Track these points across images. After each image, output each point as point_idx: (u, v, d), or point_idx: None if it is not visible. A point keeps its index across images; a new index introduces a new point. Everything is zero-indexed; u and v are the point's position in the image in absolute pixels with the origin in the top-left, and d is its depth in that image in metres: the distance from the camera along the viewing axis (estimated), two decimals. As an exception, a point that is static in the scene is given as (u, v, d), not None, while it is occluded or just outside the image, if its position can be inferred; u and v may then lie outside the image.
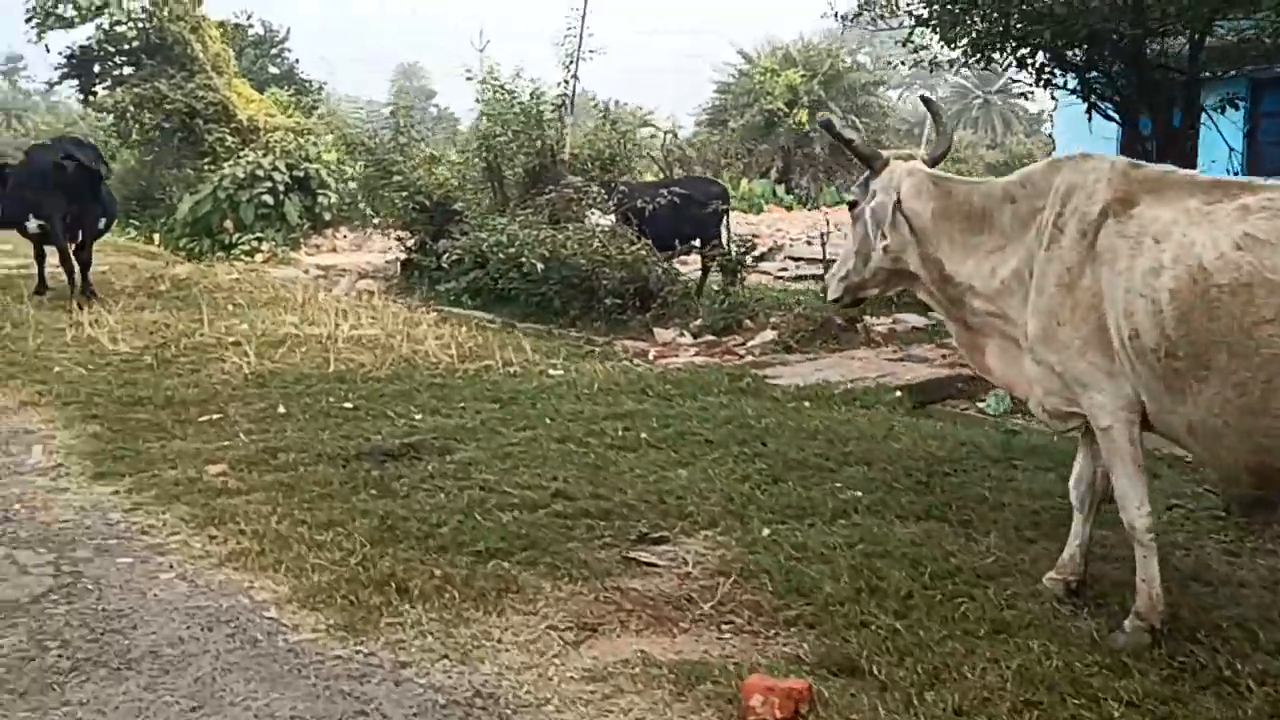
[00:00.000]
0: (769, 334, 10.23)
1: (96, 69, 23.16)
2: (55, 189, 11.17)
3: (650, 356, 10.05)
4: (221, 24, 23.53)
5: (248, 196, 19.75)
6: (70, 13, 21.70)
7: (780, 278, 16.00)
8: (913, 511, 4.40)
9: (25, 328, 9.03)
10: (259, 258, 19.27)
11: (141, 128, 22.08)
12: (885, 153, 3.68)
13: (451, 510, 4.55)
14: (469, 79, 15.03)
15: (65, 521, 4.32)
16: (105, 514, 4.47)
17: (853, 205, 3.77)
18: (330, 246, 20.93)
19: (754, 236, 12.28)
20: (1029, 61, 9.19)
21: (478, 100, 14.99)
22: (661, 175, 21.37)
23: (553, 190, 12.39)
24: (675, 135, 19.11)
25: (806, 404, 7.01)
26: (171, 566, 3.86)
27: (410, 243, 15.42)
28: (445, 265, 13.28)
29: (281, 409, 6.55)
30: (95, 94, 23.74)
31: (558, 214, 12.14)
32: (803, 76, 38.03)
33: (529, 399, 6.93)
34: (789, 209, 33.18)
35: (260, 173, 19.72)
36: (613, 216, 12.79)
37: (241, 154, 20.57)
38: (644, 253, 10.96)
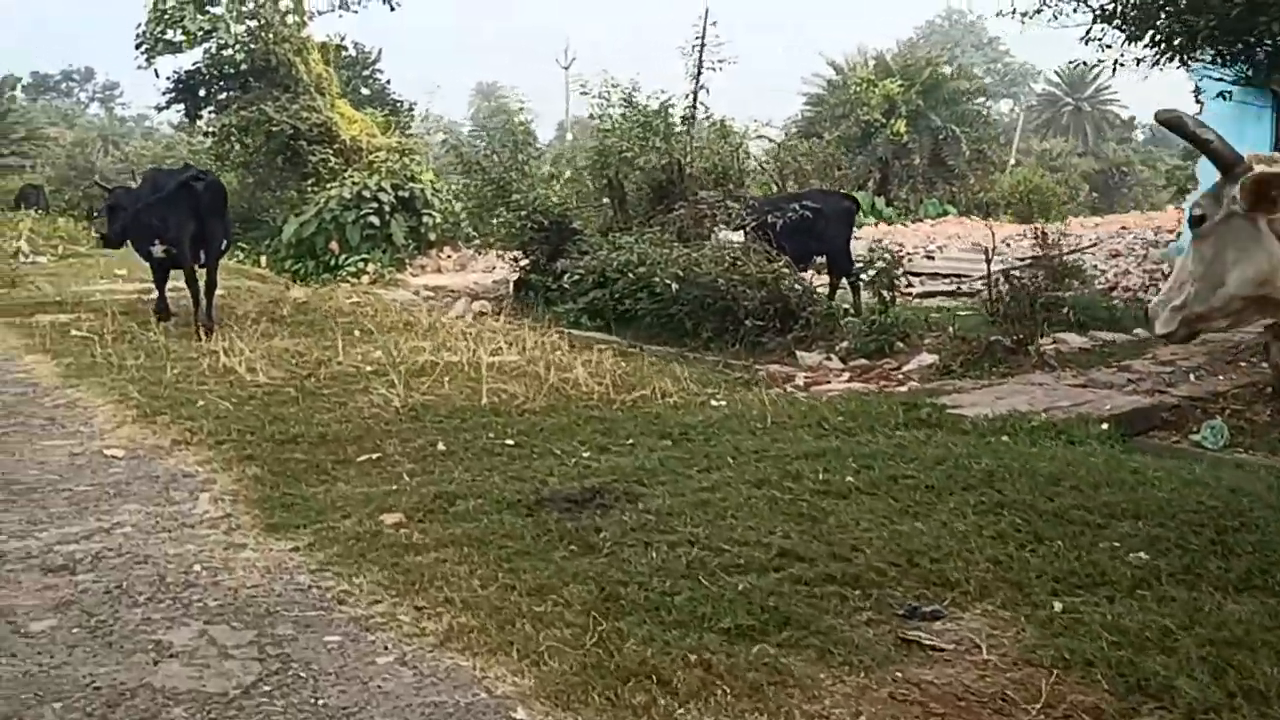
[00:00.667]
0: (926, 357, 9.55)
1: (202, 93, 23.40)
2: (182, 210, 10.99)
3: (800, 382, 9.47)
4: (323, 45, 23.60)
5: (353, 218, 19.66)
6: (179, 38, 21.93)
7: (907, 294, 15.30)
8: (1228, 581, 3.73)
9: (159, 357, 8.77)
10: (365, 279, 19.15)
11: (245, 150, 22.22)
12: (1248, 156, 3.03)
13: (672, 573, 4.01)
14: (583, 94, 14.62)
15: (253, 587, 3.88)
16: (292, 576, 4.02)
17: (1198, 220, 3.13)
18: (434, 267, 20.74)
19: (873, 251, 11.59)
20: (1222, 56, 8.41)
21: (593, 116, 14.57)
22: (775, 189, 20.76)
23: (681, 206, 11.87)
24: (789, 148, 18.48)
25: (1005, 438, 6.35)
26: (387, 647, 3.37)
27: (524, 263, 15.07)
28: (566, 285, 12.87)
29: (441, 446, 6.10)
30: (200, 118, 24.02)
31: (687, 231, 11.61)
32: (901, 86, 37.06)
33: (701, 435, 6.40)
34: (890, 222, 32.24)
35: (366, 193, 19.62)
36: (739, 232, 12.24)
37: (346, 175, 20.53)
38: (786, 271, 10.36)
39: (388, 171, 20.27)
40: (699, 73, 12.80)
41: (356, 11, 22.88)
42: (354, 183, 19.51)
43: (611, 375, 8.03)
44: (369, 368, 8.33)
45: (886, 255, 10.45)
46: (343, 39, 30.37)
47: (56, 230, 20.95)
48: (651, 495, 5.11)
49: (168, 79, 23.17)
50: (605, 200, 14.89)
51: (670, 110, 13.11)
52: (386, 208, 19.56)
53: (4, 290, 14.90)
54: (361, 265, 19.36)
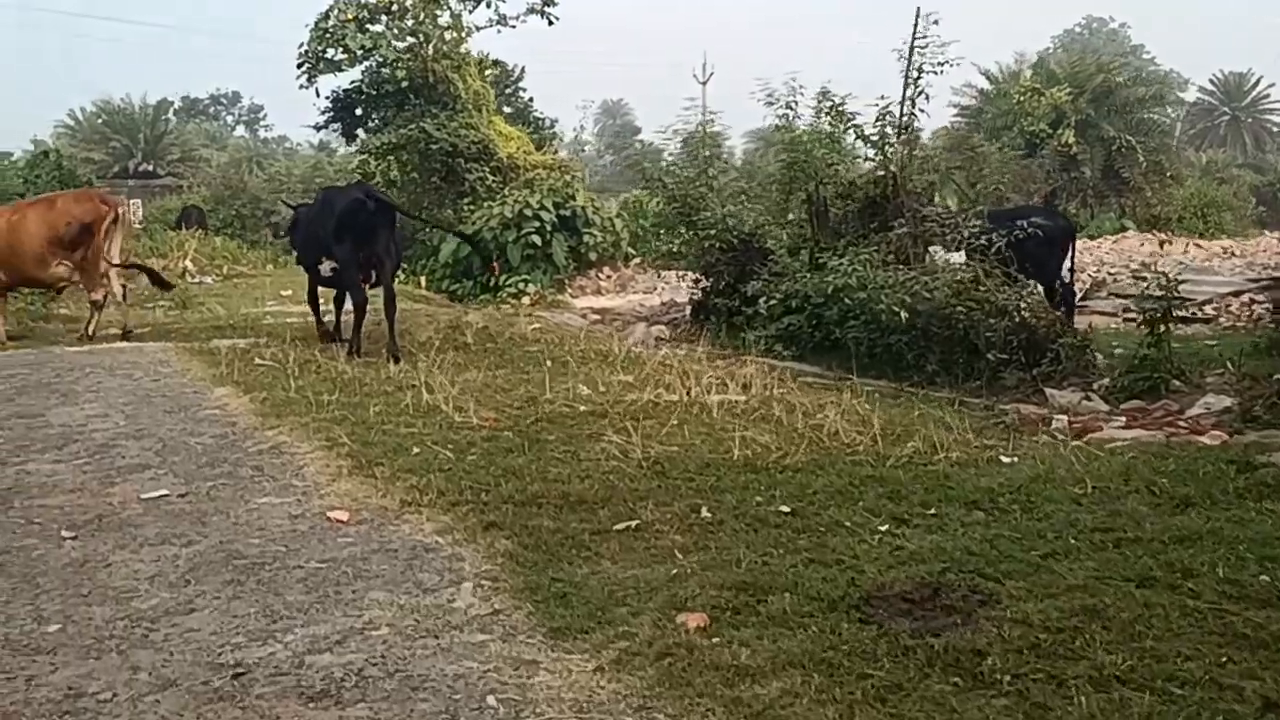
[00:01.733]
0: (1216, 399, 8.19)
1: (358, 111, 23.30)
2: (352, 230, 10.42)
3: (1063, 426, 8.21)
4: (480, 61, 23.24)
5: (514, 237, 19.09)
6: (339, 56, 21.85)
7: (1125, 317, 13.82)
8: None
9: (354, 391, 8.10)
10: (525, 300, 18.53)
11: (402, 169, 21.97)
12: None
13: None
14: (769, 102, 13.60)
15: (576, 737, 2.95)
16: (616, 718, 3.08)
17: None
18: (594, 288, 20.04)
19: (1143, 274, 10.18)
20: None
21: (779, 127, 13.55)
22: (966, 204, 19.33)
23: (901, 223, 10.73)
24: (978, 158, 17.18)
25: None
26: None
27: (704, 284, 14.14)
28: (762, 310, 11.87)
29: (705, 513, 5.15)
30: (356, 137, 23.94)
31: (905, 251, 10.47)
32: (1069, 94, 34.97)
33: (1015, 503, 5.28)
34: (1064, 239, 30.24)
35: (528, 212, 19.03)
36: (957, 253, 11.02)
37: (506, 193, 20.00)
38: (1035, 298, 9.12)
39: (549, 189, 19.65)
40: (917, 75, 11.66)
41: (514, 26, 22.48)
42: (515, 201, 18.94)
43: (864, 420, 6.98)
44: (582, 407, 7.47)
45: (1161, 279, 9.08)
46: (486, 55, 30.19)
47: (220, 250, 21.04)
48: (1010, 595, 4.03)
49: (325, 98, 23.20)
50: (791, 217, 13.85)
51: (888, 118, 11.93)
52: (548, 227, 18.95)
53: (176, 312, 14.75)
54: (521, 286, 18.75)
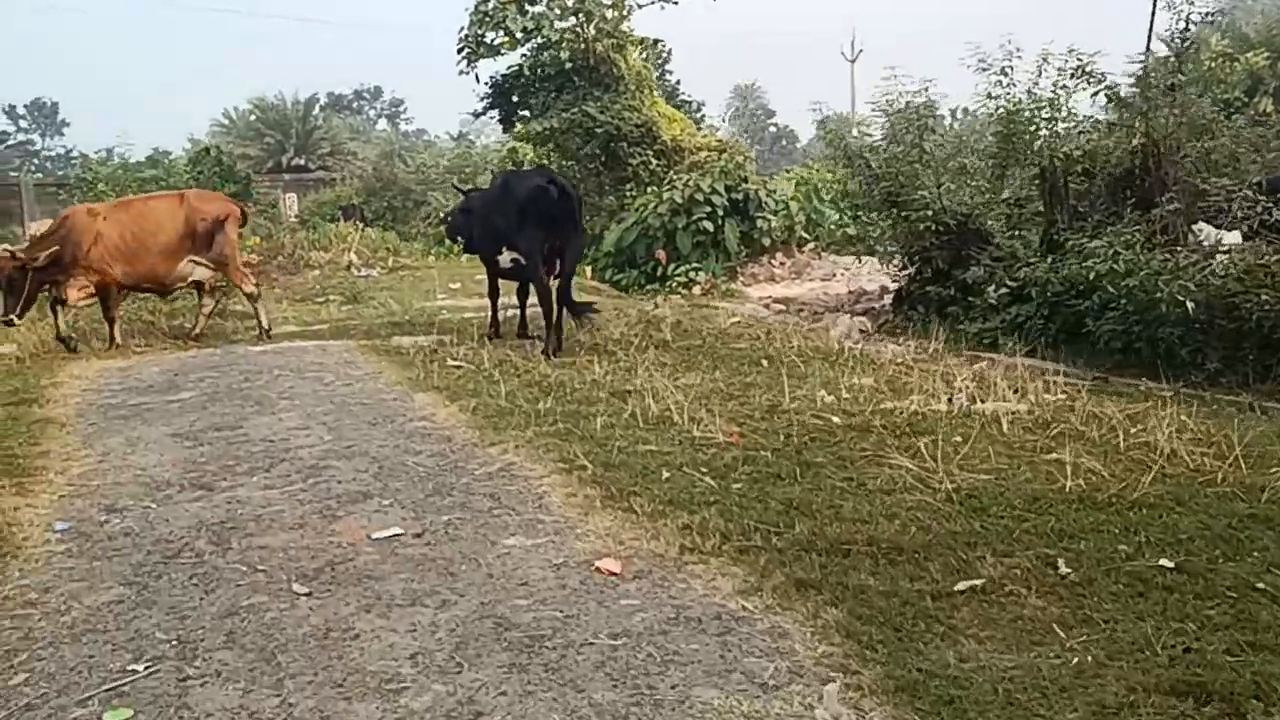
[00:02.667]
0: None
1: (515, 98, 22.68)
2: (536, 217, 9.62)
3: None
4: (641, 40, 22.31)
5: (684, 223, 18.10)
6: (499, 40, 21.25)
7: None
8: None
9: (567, 398, 7.25)
10: (695, 290, 17.54)
11: (562, 154, 21.22)
12: None
13: None
14: (983, 68, 12.20)
15: None
16: None
17: None
18: (767, 275, 18.90)
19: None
20: None
21: (991, 96, 12.15)
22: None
23: (1170, 199, 9.29)
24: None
25: None
26: None
27: (908, 271, 12.89)
28: (992, 299, 10.60)
29: (1064, 567, 4.07)
30: (514, 124, 23.33)
31: (1173, 230, 9.04)
32: (1267, 59, 31.86)
33: None
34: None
35: (700, 196, 18.00)
36: (1231, 232, 9.50)
37: (674, 178, 19.01)
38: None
39: (720, 172, 18.60)
40: (1184, 27, 10.15)
41: (677, 3, 21.51)
42: (686, 185, 17.94)
43: (1204, 437, 5.74)
44: (835, 418, 6.43)
45: None
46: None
47: (381, 242, 20.75)
48: None
49: (485, 84, 22.67)
50: (1005, 195, 12.45)
51: (1151, 79, 10.38)
52: (720, 211, 17.91)
53: (349, 306, 14.32)
54: (691, 275, 17.78)
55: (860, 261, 17.43)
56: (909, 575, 4.02)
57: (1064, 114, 11.19)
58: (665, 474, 5.32)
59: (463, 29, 21.14)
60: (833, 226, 20.30)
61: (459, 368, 8.72)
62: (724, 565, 4.13)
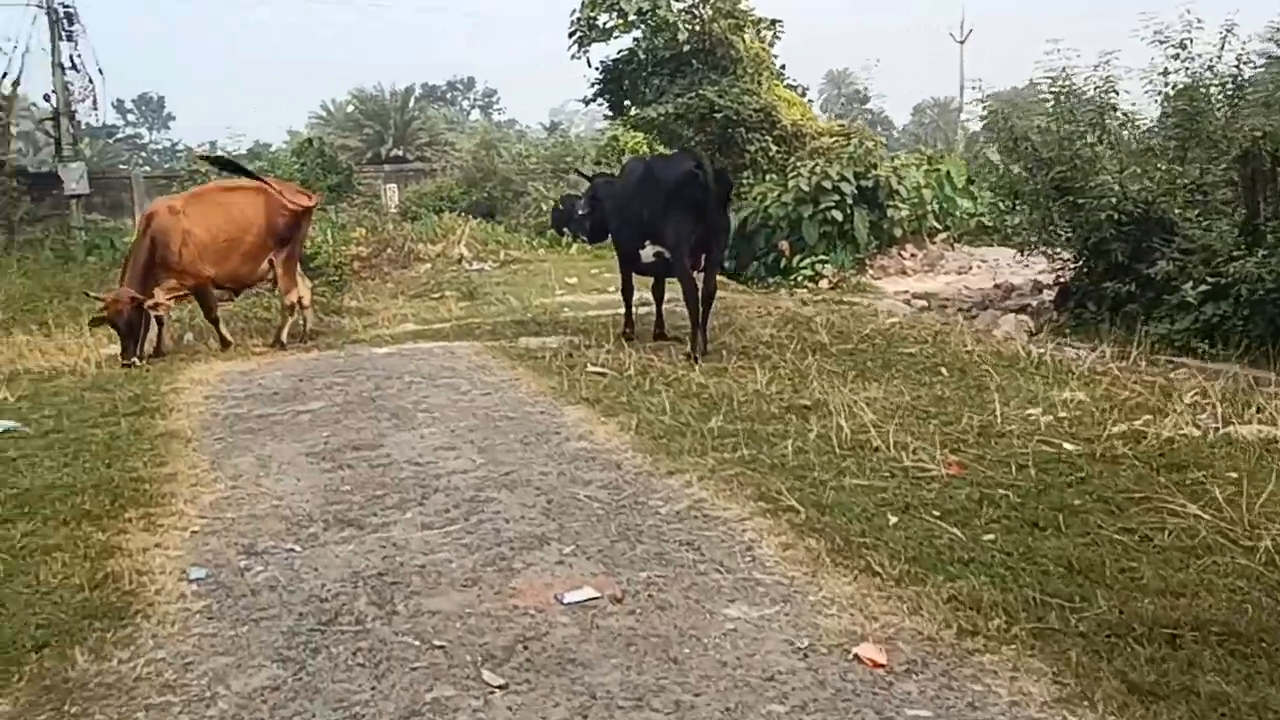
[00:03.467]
0: None
1: (625, 84, 21.88)
2: (685, 205, 8.77)
3: None
4: (758, 21, 21.29)
5: (810, 212, 17.10)
6: (612, 22, 20.46)
7: None
8: None
9: (736, 414, 6.41)
10: (823, 284, 16.55)
11: (669, 142, 20.28)
12: None
13: None
14: (1160, 41, 11.00)
15: None
16: None
17: None
18: (898, 268, 17.79)
19: None
20: None
21: (1165, 72, 10.93)
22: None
23: None
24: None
25: None
26: None
27: (1076, 265, 11.74)
28: (1190, 297, 9.46)
29: None
30: (624, 110, 22.55)
31: None
32: None
33: None
34: None
35: (827, 184, 16.98)
36: None
37: (799, 164, 17.99)
38: None
39: (849, 159, 17.55)
40: None
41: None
42: (813, 173, 16.94)
43: None
44: (1068, 445, 5.49)
45: None
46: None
47: (492, 235, 20.18)
48: None
49: (595, 68, 21.92)
50: (1184, 182, 11.21)
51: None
52: (849, 200, 16.88)
53: (466, 303, 13.71)
54: (818, 267, 16.78)
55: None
56: (1270, 677, 3.10)
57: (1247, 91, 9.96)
58: (892, 518, 4.45)
59: (574, 12, 20.43)
60: (965, 215, 19.08)
61: (602, 374, 7.96)
62: (1021, 657, 3.25)
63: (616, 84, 22.26)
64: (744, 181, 20.31)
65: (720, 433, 5.96)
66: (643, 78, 21.44)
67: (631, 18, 20.04)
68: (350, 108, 60.10)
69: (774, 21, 21.68)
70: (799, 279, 16.79)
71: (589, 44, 20.89)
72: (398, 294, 14.56)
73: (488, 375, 8.21)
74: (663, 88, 20.42)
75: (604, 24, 20.56)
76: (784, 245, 17.54)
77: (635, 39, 20.98)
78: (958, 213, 19.30)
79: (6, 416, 7.01)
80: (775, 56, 28.72)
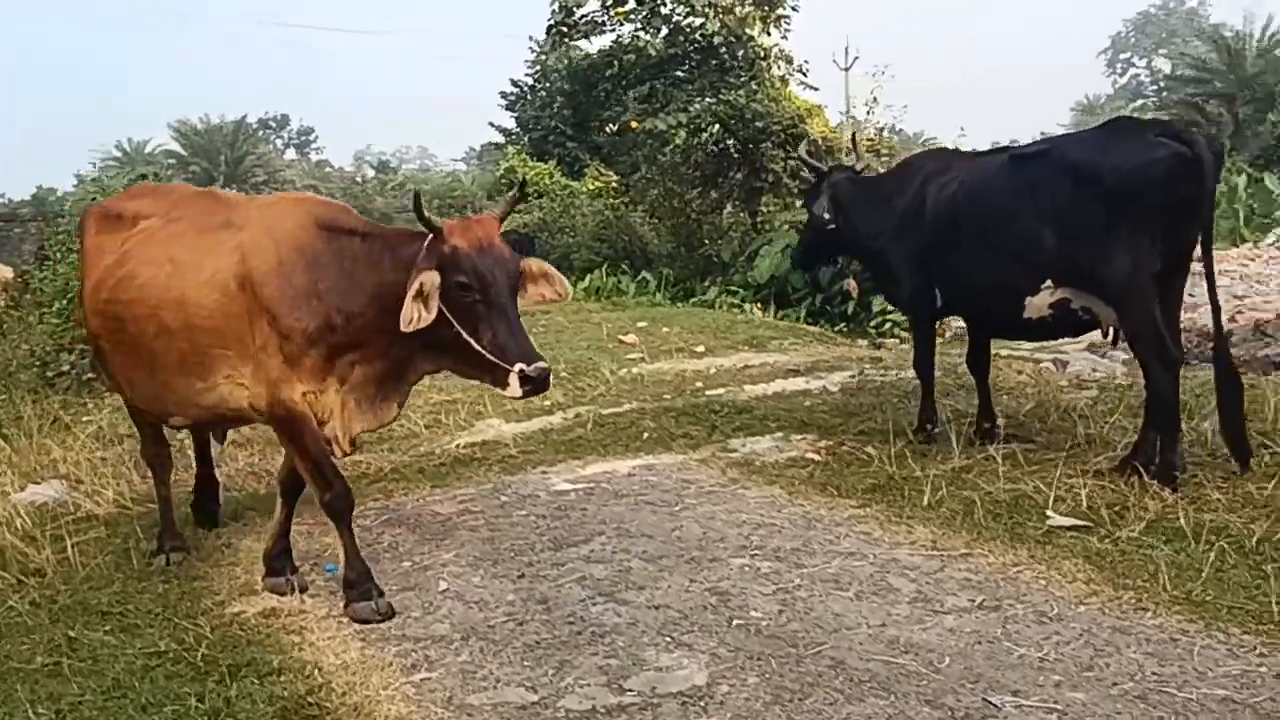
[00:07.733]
0: None
1: (604, 91, 18.60)
2: (1152, 209, 5.13)
3: None
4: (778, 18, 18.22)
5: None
6: (601, 14, 17.08)
7: None
8: None
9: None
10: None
11: (694, 156, 16.75)
12: None
13: None
14: None
15: None
16: None
17: None
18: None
19: None
20: None
21: None
22: None
23: None
24: None
25: None
26: None
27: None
28: None
29: None
30: (589, 129, 19.24)
31: None
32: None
33: None
34: None
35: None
36: None
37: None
38: None
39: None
40: None
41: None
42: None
43: None
44: None
45: None
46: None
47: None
48: None
49: (559, 74, 18.55)
50: None
51: None
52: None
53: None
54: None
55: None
56: None
57: None
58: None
59: (554, 2, 16.90)
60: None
61: (1072, 530, 4.70)
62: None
63: (587, 92, 18.89)
64: (763, 208, 17.31)
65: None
66: (623, 85, 18.14)
67: (631, 4, 16.62)
68: (171, 143, 56.19)
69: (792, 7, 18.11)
70: (887, 326, 13.66)
71: (570, 40, 17.45)
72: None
73: (775, 539, 4.79)
74: (670, 94, 17.08)
75: (588, 17, 17.13)
76: (851, 285, 14.43)
77: (618, 38, 17.63)
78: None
79: None
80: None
